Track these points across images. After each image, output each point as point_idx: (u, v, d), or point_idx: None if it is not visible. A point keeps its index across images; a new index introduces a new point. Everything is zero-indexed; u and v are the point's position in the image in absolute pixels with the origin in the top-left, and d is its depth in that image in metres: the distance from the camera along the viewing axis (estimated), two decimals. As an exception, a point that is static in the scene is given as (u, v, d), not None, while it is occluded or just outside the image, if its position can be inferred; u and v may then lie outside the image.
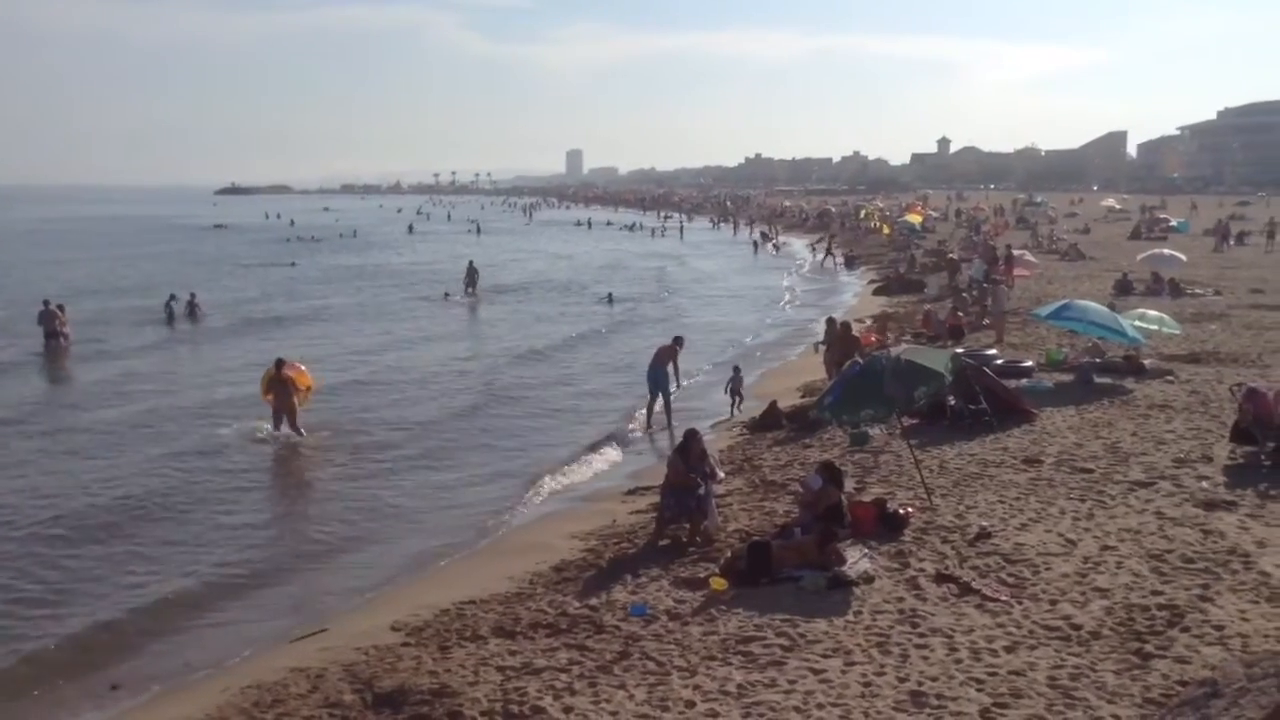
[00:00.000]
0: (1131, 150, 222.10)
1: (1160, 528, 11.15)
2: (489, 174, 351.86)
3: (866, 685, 7.96)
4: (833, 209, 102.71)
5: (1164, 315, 22.67)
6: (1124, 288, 32.26)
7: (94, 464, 17.83)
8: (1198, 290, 32.74)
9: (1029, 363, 20.35)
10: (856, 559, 10.61)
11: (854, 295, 41.55)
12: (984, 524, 11.51)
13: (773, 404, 19.18)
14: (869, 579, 10.14)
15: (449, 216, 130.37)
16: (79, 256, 66.89)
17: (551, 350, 30.29)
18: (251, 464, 18.15)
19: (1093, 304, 21.20)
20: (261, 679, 9.31)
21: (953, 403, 16.27)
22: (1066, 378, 19.44)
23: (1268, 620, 8.63)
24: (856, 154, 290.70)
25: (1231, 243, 51.93)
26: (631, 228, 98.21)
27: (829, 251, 58.63)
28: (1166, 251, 39.14)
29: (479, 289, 43.92)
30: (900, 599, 9.66)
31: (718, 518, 12.44)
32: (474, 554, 13.49)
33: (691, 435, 12.83)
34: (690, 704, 7.86)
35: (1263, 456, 13.32)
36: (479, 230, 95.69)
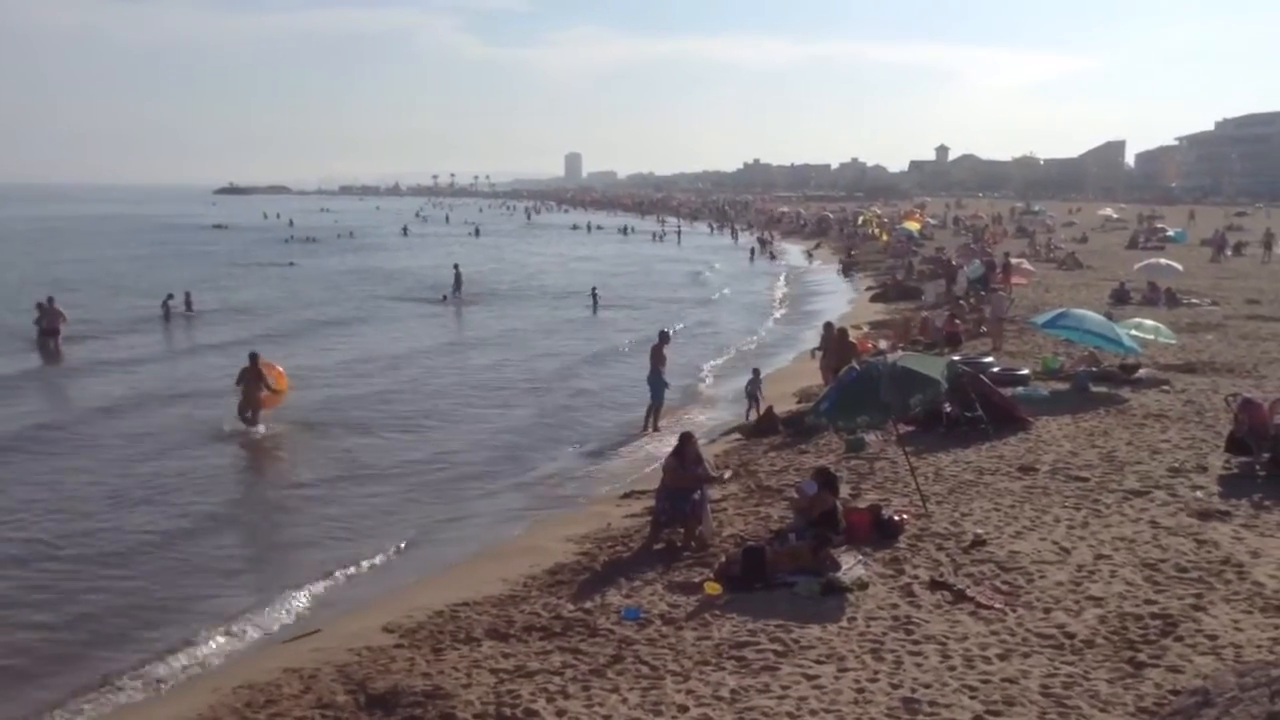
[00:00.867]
0: (1130, 160, 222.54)
1: (1154, 537, 11.15)
2: (487, 177, 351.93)
3: (860, 691, 7.96)
4: (830, 215, 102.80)
5: (1160, 325, 22.73)
6: (1121, 297, 32.32)
7: (91, 463, 17.84)
8: (1194, 300, 32.79)
9: (1025, 370, 20.38)
10: (851, 565, 10.61)
11: (849, 302, 41.56)
12: (979, 531, 11.52)
13: (769, 409, 19.18)
14: (863, 585, 10.15)
15: (447, 219, 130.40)
16: (78, 256, 66.88)
17: (551, 352, 30.33)
18: (245, 463, 18.15)
19: (1089, 313, 21.23)
20: (254, 679, 9.29)
21: (949, 410, 16.28)
22: (1062, 386, 19.46)
23: (1261, 630, 8.64)
24: (855, 160, 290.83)
25: (1229, 253, 52.01)
26: (624, 231, 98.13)
27: (809, 253, 61.84)
28: (1163, 261, 39.21)
29: (464, 293, 43.80)
30: (894, 605, 9.66)
31: (712, 522, 12.44)
32: (468, 556, 13.48)
33: (686, 438, 12.83)
34: (683, 709, 7.86)
35: (1257, 467, 13.34)
36: (478, 233, 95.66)
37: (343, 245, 79.03)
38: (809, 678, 8.24)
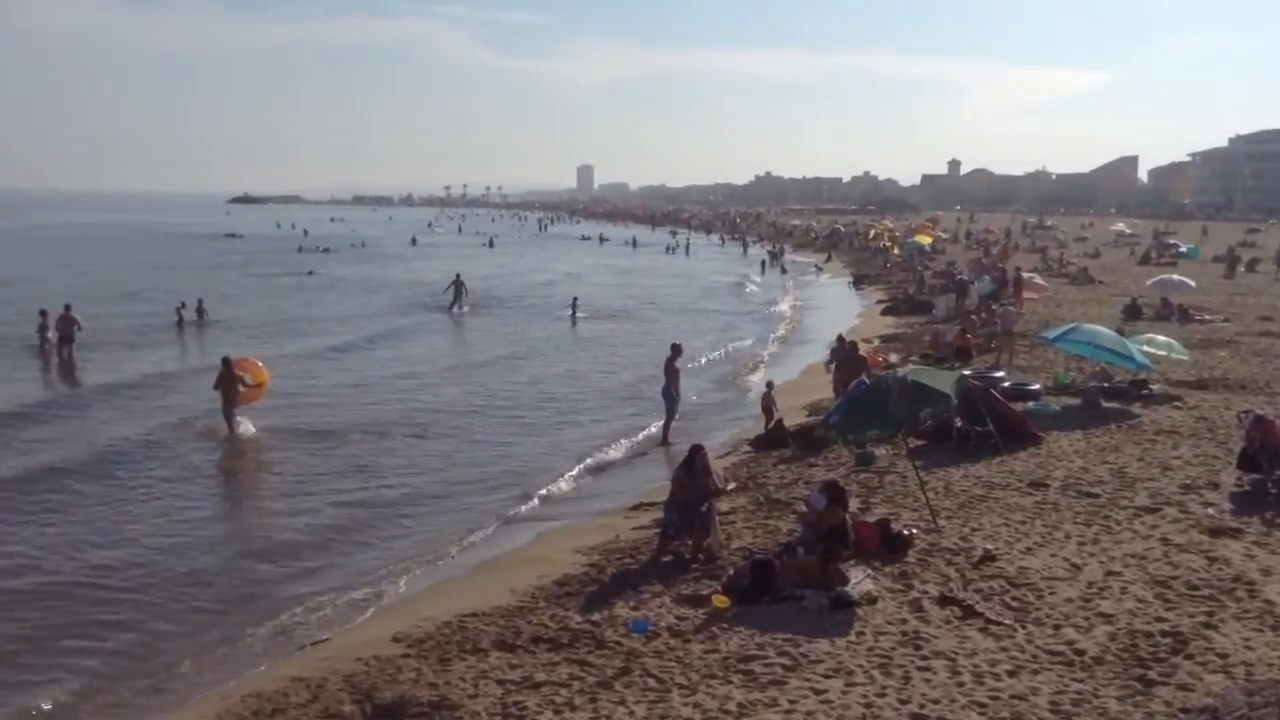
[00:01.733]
0: (1142, 175, 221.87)
1: (1165, 554, 11.10)
2: (499, 188, 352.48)
3: (868, 706, 7.93)
4: (841, 228, 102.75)
5: (1172, 341, 22.65)
6: (1133, 312, 32.24)
7: (92, 463, 17.91)
8: (1207, 316, 32.66)
9: (1036, 385, 20.31)
10: (859, 579, 10.58)
11: (856, 316, 41.49)
12: (988, 547, 11.48)
13: (778, 422, 19.16)
14: (872, 600, 10.12)
15: (459, 229, 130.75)
16: (94, 262, 67.34)
17: (560, 363, 30.38)
18: (248, 471, 18.21)
19: (1101, 328, 21.18)
20: (262, 687, 9.32)
21: (959, 424, 16.24)
22: (1074, 401, 19.40)
23: (1271, 649, 8.59)
24: (867, 174, 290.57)
25: (1242, 269, 51.82)
26: (632, 243, 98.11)
27: (818, 266, 64.09)
28: (1176, 277, 39.05)
29: (466, 302, 43.93)
30: (903, 620, 9.63)
31: (721, 535, 12.42)
32: (476, 567, 13.49)
33: (696, 450, 12.80)
34: (690, 721, 7.85)
35: (1269, 484, 13.28)
36: (491, 244, 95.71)
37: (355, 255, 79.36)
38: (817, 692, 8.22)
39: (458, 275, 45.60)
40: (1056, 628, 9.28)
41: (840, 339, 23.49)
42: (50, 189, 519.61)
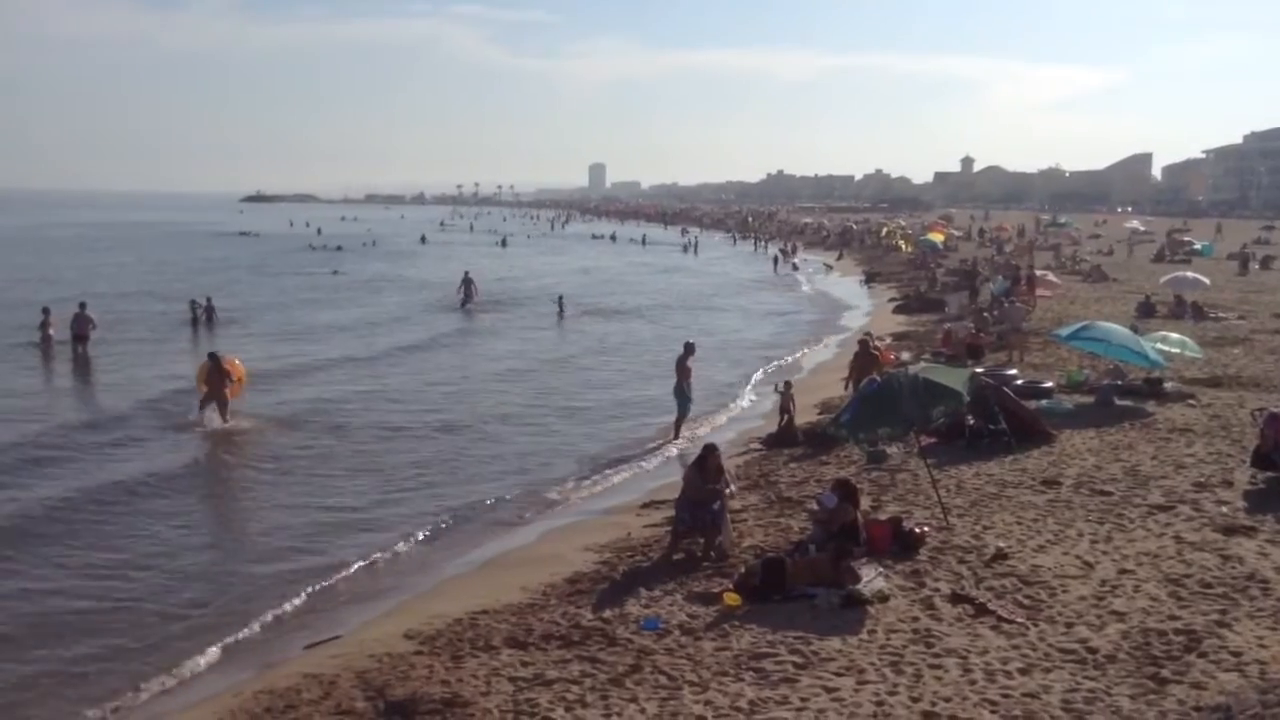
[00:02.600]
0: (1156, 173, 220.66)
1: (1179, 552, 11.05)
2: (511, 186, 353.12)
3: (879, 705, 7.93)
4: (854, 226, 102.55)
5: (1186, 339, 22.52)
6: (1147, 310, 32.09)
7: (93, 463, 18.01)
8: (1221, 314, 32.48)
9: (1049, 383, 20.25)
10: (871, 577, 10.57)
11: (865, 315, 41.42)
12: (1001, 545, 11.45)
13: (790, 420, 19.14)
14: (883, 598, 10.11)
15: (471, 228, 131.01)
16: (110, 261, 67.80)
17: (571, 361, 30.41)
18: (257, 466, 18.28)
19: (1114, 325, 21.09)
20: (274, 684, 9.36)
21: (971, 422, 16.20)
22: (1087, 399, 19.32)
23: (1286, 648, 8.54)
24: (879, 172, 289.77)
25: (1256, 267, 51.53)
26: (641, 241, 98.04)
27: (828, 265, 65.57)
28: (1190, 274, 38.85)
29: (476, 300, 44.05)
30: (915, 619, 9.62)
31: (732, 533, 12.42)
32: (487, 564, 13.52)
33: (709, 450, 12.80)
34: (701, 719, 7.85)
35: (1284, 482, 13.20)
36: (504, 243, 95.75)
37: (367, 253, 79.65)
38: (828, 690, 8.21)
39: (466, 273, 45.82)
40: (1069, 626, 9.25)
41: (868, 335, 23.41)
42: (63, 189, 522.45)
